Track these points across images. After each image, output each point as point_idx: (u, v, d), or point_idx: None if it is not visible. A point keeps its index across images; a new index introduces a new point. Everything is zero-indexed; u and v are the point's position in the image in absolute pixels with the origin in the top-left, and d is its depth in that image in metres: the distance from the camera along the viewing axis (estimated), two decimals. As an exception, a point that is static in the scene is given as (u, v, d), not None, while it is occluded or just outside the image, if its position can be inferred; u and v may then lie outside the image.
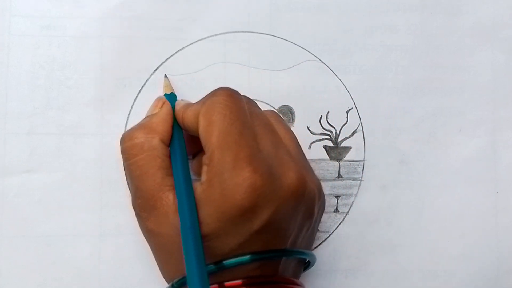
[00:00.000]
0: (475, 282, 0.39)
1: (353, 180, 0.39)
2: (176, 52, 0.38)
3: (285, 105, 0.39)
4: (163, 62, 0.38)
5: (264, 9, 0.39)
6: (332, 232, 0.39)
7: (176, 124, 0.33)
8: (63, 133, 0.37)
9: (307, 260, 0.34)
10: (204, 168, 0.30)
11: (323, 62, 0.39)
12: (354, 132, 0.39)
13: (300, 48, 0.39)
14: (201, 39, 0.38)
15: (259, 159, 0.29)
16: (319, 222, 0.35)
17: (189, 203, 0.29)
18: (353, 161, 0.39)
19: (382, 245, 0.39)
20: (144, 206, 0.31)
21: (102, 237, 0.37)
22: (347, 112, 0.39)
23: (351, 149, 0.39)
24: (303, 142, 0.38)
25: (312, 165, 0.38)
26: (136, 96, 0.38)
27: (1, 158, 0.37)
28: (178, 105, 0.34)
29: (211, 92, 0.32)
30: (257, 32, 0.39)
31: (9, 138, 0.37)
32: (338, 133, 0.39)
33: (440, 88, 0.40)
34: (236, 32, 0.39)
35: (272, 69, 0.39)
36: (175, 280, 0.31)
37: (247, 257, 0.29)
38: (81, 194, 0.37)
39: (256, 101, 0.38)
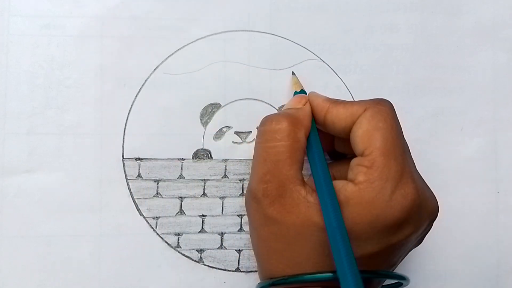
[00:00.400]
0: (475, 282, 0.39)
1: (354, 180, 0.39)
2: (176, 51, 0.38)
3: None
4: (163, 61, 0.38)
5: (264, 8, 0.39)
6: (333, 232, 0.39)
7: (312, 122, 0.34)
8: (62, 133, 0.37)
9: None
10: (362, 169, 0.30)
11: (323, 62, 0.39)
12: (355, 132, 0.39)
13: (301, 47, 0.39)
14: (201, 38, 0.38)
15: (418, 179, 0.31)
16: None
17: (333, 202, 0.29)
18: (354, 161, 0.39)
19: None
20: (270, 192, 0.31)
21: (102, 237, 0.37)
22: (348, 112, 0.39)
23: (352, 149, 0.39)
24: (303, 141, 0.38)
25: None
26: (136, 96, 0.38)
27: (1, 158, 0.36)
28: (318, 98, 0.34)
29: (373, 100, 0.32)
30: (257, 31, 0.39)
31: (8, 138, 0.37)
32: (339, 133, 0.39)
33: (440, 88, 0.40)
34: (236, 31, 0.39)
35: (272, 68, 0.39)
36: (290, 274, 0.31)
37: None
38: (81, 194, 0.37)
39: (256, 101, 0.38)
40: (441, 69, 0.40)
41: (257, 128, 0.35)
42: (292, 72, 0.38)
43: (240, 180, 0.38)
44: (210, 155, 0.38)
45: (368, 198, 0.29)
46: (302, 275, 0.30)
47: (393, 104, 0.32)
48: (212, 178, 0.38)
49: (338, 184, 0.30)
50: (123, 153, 0.37)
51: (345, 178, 0.31)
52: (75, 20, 0.37)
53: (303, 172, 0.32)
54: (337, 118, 0.32)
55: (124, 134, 0.37)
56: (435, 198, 0.32)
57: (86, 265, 0.37)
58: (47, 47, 0.37)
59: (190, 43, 0.38)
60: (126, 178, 0.37)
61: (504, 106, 0.40)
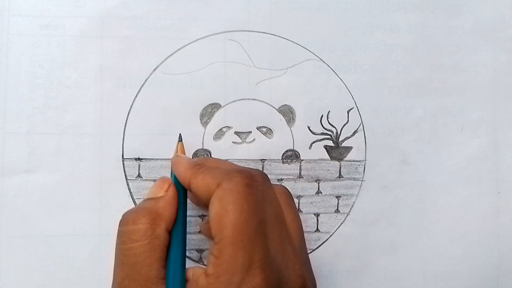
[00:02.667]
0: (476, 282, 0.39)
1: (354, 180, 0.39)
2: (176, 51, 0.38)
3: (286, 104, 0.39)
4: (162, 61, 0.38)
5: (264, 8, 0.39)
6: (333, 232, 0.39)
7: (182, 209, 0.32)
8: (62, 133, 0.37)
9: None
10: (212, 259, 0.28)
11: (323, 62, 0.39)
12: (355, 132, 0.39)
13: (301, 47, 0.39)
14: (201, 38, 0.38)
15: (271, 266, 0.29)
16: None
17: None
18: (354, 161, 0.39)
19: (383, 245, 0.39)
20: None
21: (102, 237, 0.37)
22: (348, 112, 0.39)
23: (352, 149, 0.39)
24: (303, 142, 0.38)
25: (313, 165, 0.39)
26: (136, 96, 0.38)
27: (1, 158, 0.36)
28: (180, 167, 0.32)
29: (228, 172, 0.30)
30: (257, 31, 0.39)
31: (8, 138, 0.37)
32: (339, 133, 0.39)
33: (441, 88, 0.40)
34: (236, 31, 0.39)
35: (273, 68, 0.39)
36: None
37: None
38: (81, 194, 0.37)
39: (256, 101, 0.38)
40: (442, 69, 0.40)
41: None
42: (179, 135, 0.36)
43: (240, 180, 0.38)
44: (210, 155, 0.38)
45: None
46: None
47: (251, 175, 0.30)
48: (212, 178, 0.38)
49: (196, 273, 0.29)
50: (123, 153, 0.37)
51: None
52: (75, 20, 0.37)
53: None
54: (198, 191, 0.30)
55: (124, 134, 0.37)
56: (302, 273, 0.30)
57: (86, 265, 0.37)
58: (47, 47, 0.37)
59: (190, 43, 0.38)
60: (126, 178, 0.37)
61: (504, 106, 0.40)
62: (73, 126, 0.37)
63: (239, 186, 0.29)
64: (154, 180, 0.37)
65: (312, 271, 0.32)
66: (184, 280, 0.29)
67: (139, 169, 0.37)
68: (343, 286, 0.38)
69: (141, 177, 0.37)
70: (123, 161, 0.37)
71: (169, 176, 0.33)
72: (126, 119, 0.37)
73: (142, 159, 0.37)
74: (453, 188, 0.40)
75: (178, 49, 0.38)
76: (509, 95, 0.40)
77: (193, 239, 0.38)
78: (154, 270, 0.29)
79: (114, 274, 0.30)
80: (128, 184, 0.37)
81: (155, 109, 0.38)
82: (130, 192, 0.37)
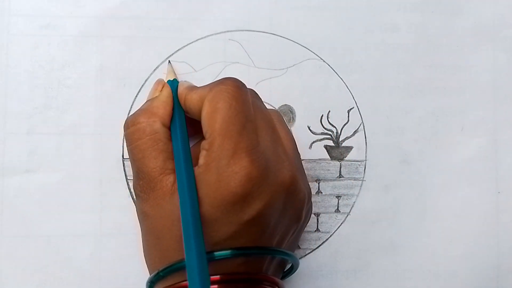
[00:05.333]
0: (476, 282, 0.39)
1: (354, 180, 0.39)
2: (176, 51, 0.38)
3: (286, 104, 0.39)
4: (163, 62, 0.38)
5: (264, 8, 0.39)
6: (333, 232, 0.39)
7: (177, 106, 0.34)
8: (62, 133, 0.37)
9: (288, 266, 0.35)
10: (203, 153, 0.30)
11: (324, 61, 0.39)
12: (355, 132, 0.39)
13: (301, 46, 0.39)
14: (201, 38, 0.38)
15: (258, 152, 0.30)
16: (303, 231, 0.36)
17: (189, 182, 0.30)
18: (354, 161, 0.39)
19: (383, 245, 0.39)
20: (144, 188, 0.32)
21: (102, 237, 0.37)
22: (348, 112, 0.39)
23: (353, 148, 0.39)
24: (303, 142, 0.38)
25: (313, 165, 0.39)
26: (136, 96, 0.38)
27: (1, 158, 0.36)
28: (182, 86, 0.34)
29: (219, 80, 0.32)
30: (257, 31, 0.39)
31: (8, 138, 0.37)
32: (339, 132, 0.39)
33: (441, 88, 0.40)
34: (236, 30, 0.39)
35: (273, 68, 0.39)
36: (161, 268, 0.31)
37: (228, 252, 0.30)
38: (81, 194, 0.37)
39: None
40: (442, 69, 0.40)
41: None
42: (169, 61, 0.38)
43: (240, 180, 0.38)
44: (210, 155, 0.38)
45: (205, 181, 0.30)
46: (167, 267, 0.30)
47: (240, 82, 0.32)
48: (212, 178, 0.38)
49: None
50: (123, 153, 0.37)
51: None
52: (75, 20, 0.37)
53: None
54: (191, 103, 0.32)
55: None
56: (292, 169, 0.32)
57: (86, 265, 0.37)
58: (47, 47, 0.37)
59: (190, 43, 0.38)
60: (126, 178, 0.37)
61: (504, 106, 0.40)
62: (73, 126, 0.37)
63: (229, 87, 0.31)
64: (154, 180, 0.37)
65: (307, 182, 0.34)
66: (191, 169, 0.30)
67: (139, 169, 0.37)
68: (343, 286, 0.38)
69: (141, 177, 0.37)
70: (123, 161, 0.37)
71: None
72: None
73: (142, 159, 0.37)
74: (453, 188, 0.40)
75: (178, 49, 0.38)
76: (509, 95, 0.40)
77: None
78: (160, 161, 0.31)
79: (132, 172, 0.33)
80: (128, 184, 0.37)
81: (155, 109, 0.37)
82: (130, 192, 0.37)
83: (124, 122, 0.33)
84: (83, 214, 0.37)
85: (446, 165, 0.40)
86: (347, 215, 0.39)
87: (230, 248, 0.30)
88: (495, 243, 0.40)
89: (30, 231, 0.36)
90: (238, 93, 0.31)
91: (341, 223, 0.39)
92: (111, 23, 0.37)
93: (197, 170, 0.30)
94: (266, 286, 0.31)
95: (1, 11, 0.37)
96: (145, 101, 0.35)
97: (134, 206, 0.37)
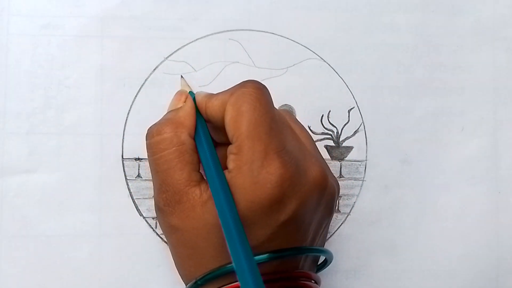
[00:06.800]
0: (476, 282, 0.39)
1: (355, 180, 0.39)
2: (176, 51, 0.38)
3: (286, 104, 0.39)
4: (162, 61, 0.38)
5: (264, 7, 0.39)
6: (334, 232, 0.39)
7: (199, 116, 0.33)
8: (62, 133, 0.37)
9: (321, 260, 0.35)
10: (232, 157, 0.30)
11: (324, 61, 0.39)
12: (356, 132, 0.39)
13: (301, 46, 0.39)
14: (201, 38, 0.38)
15: (287, 153, 0.30)
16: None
17: (223, 188, 0.29)
18: (355, 161, 0.39)
19: (383, 245, 0.39)
20: (169, 201, 0.31)
21: (102, 237, 0.37)
22: (348, 112, 0.39)
23: (353, 148, 0.39)
24: (304, 141, 0.38)
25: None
26: (136, 96, 0.38)
27: (1, 158, 0.36)
28: (200, 95, 0.34)
29: (239, 84, 0.32)
30: (257, 30, 0.39)
31: (8, 138, 0.37)
32: (339, 132, 0.39)
33: (441, 88, 0.40)
34: (236, 30, 0.39)
35: (273, 68, 0.39)
36: (199, 277, 0.31)
37: (265, 256, 0.30)
38: (80, 194, 0.37)
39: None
40: (442, 69, 0.40)
41: None
42: (181, 75, 0.38)
43: (240, 180, 0.38)
44: (210, 155, 0.38)
45: (239, 185, 0.29)
46: (206, 275, 0.30)
47: (261, 83, 0.32)
48: (212, 178, 0.38)
49: None
50: (122, 153, 0.37)
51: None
52: (75, 20, 0.37)
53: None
54: (214, 110, 0.32)
55: (124, 134, 0.37)
56: (320, 165, 0.32)
57: (86, 265, 0.37)
58: (47, 47, 0.37)
59: (190, 43, 0.38)
60: (126, 178, 0.37)
61: (504, 106, 0.40)
62: (73, 126, 0.37)
63: (251, 89, 0.31)
64: (155, 180, 0.37)
65: (333, 174, 0.34)
66: (222, 175, 0.30)
67: (138, 169, 0.37)
68: (343, 286, 0.39)
69: (141, 177, 0.37)
70: (123, 161, 0.37)
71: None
72: (126, 119, 0.37)
73: (142, 159, 0.37)
74: (453, 188, 0.40)
75: (178, 49, 0.38)
76: (509, 95, 0.40)
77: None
78: (186, 173, 0.31)
79: (153, 183, 0.33)
80: (127, 184, 0.37)
81: (155, 109, 0.37)
82: (130, 192, 0.37)
83: (146, 131, 0.33)
84: (82, 214, 0.37)
85: (446, 165, 0.40)
86: (348, 215, 0.39)
87: (267, 252, 0.30)
88: (495, 243, 0.40)
89: (30, 231, 0.36)
90: (261, 95, 0.31)
91: (341, 223, 0.39)
92: (111, 23, 0.37)
93: (228, 175, 0.30)
94: (304, 282, 0.32)
95: (1, 11, 0.37)
96: (166, 112, 0.34)
97: (134, 206, 0.37)
